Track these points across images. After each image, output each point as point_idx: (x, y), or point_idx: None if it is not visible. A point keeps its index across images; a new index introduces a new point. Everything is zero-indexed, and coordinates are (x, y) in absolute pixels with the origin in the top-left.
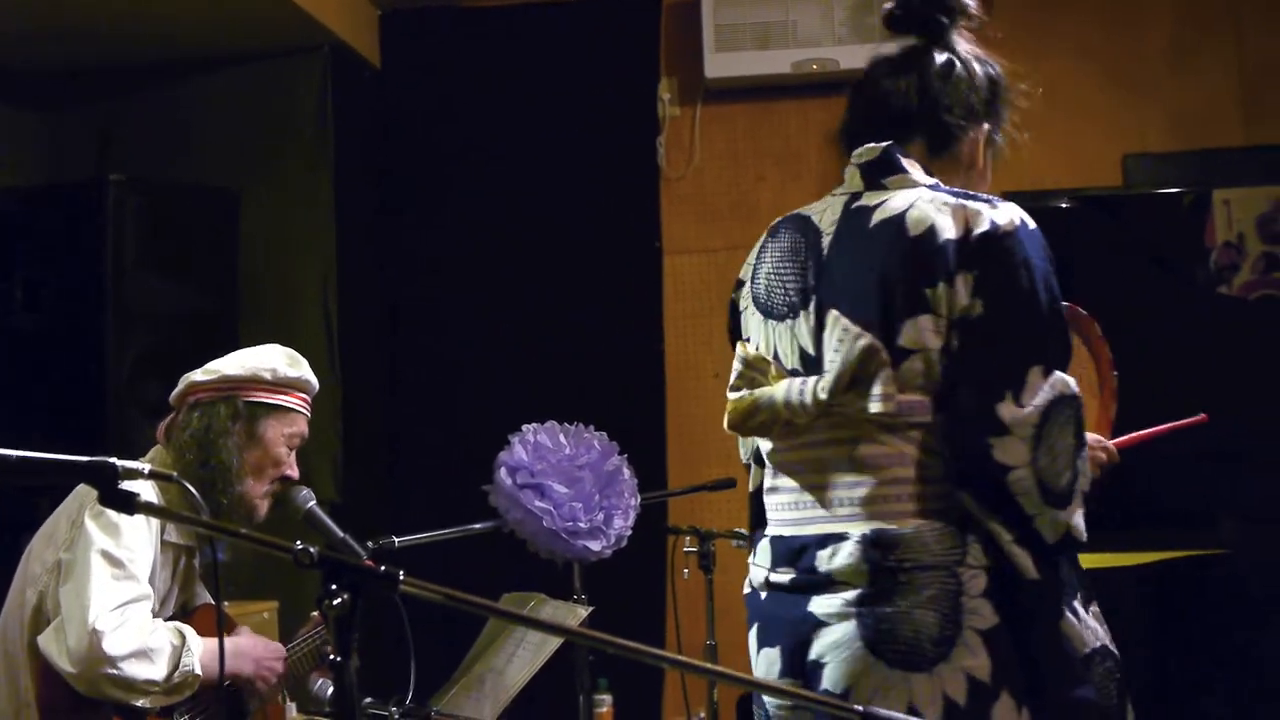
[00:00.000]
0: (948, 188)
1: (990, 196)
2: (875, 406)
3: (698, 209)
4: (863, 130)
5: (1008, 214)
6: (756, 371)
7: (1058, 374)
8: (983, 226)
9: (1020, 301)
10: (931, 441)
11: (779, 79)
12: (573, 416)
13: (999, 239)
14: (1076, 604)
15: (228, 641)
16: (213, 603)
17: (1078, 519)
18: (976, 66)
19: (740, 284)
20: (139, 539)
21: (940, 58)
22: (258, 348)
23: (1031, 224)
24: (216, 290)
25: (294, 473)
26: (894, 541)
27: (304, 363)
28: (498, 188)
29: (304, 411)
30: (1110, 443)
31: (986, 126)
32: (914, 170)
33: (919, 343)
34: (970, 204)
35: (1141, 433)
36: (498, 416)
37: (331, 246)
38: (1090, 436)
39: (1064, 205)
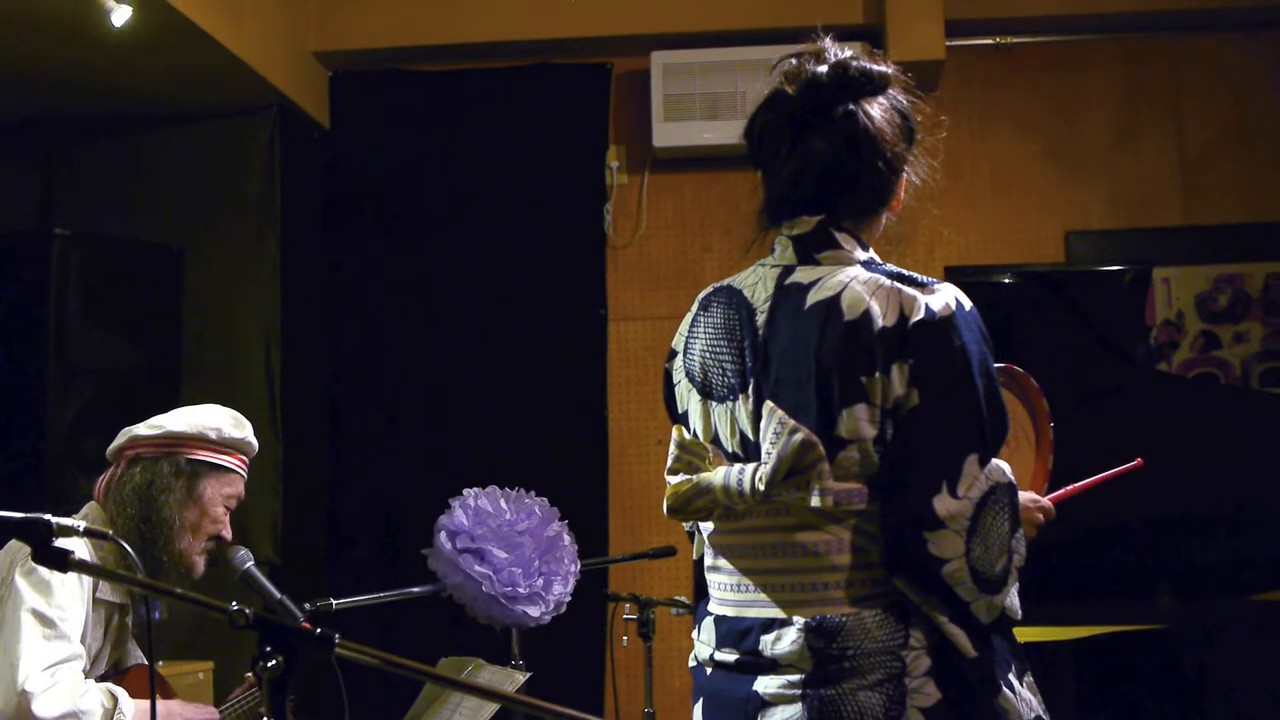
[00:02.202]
0: (883, 265)
1: (927, 279)
2: (814, 501)
3: (643, 276)
4: (790, 198)
5: (943, 298)
6: (693, 455)
7: (994, 463)
8: (918, 314)
9: (955, 391)
10: (870, 528)
11: (727, 149)
12: (515, 481)
13: (933, 326)
14: (1011, 677)
15: (160, 704)
16: (146, 663)
17: (1012, 599)
18: (894, 113)
19: (673, 354)
20: (71, 597)
21: (861, 113)
22: (203, 406)
23: (968, 305)
24: (159, 347)
25: (227, 533)
26: (835, 629)
27: (248, 425)
28: (444, 250)
29: (243, 473)
30: (1047, 499)
31: (907, 172)
32: (847, 244)
33: (855, 433)
34: (906, 289)
35: (1077, 484)
36: (439, 480)
37: (276, 305)
38: (1026, 495)
39: (1007, 281)
